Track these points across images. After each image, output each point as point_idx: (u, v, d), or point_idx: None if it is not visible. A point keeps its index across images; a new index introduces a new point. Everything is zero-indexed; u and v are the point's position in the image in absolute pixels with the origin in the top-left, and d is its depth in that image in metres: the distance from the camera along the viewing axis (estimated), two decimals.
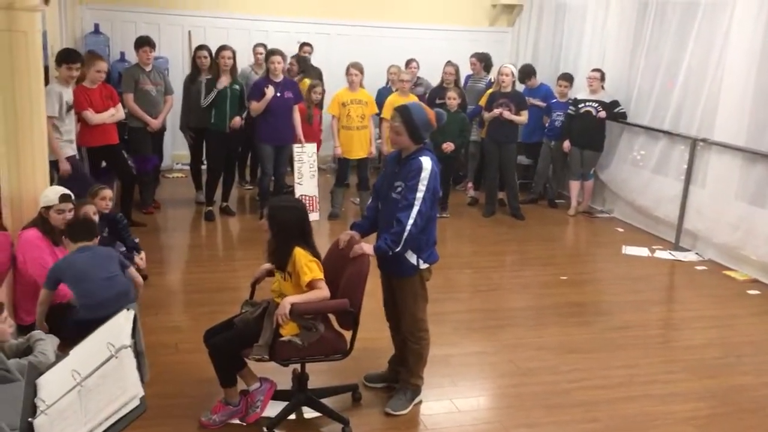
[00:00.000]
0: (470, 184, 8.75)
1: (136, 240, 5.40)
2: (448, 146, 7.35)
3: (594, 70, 7.92)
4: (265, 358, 3.39)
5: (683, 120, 7.16)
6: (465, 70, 8.64)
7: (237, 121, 7.08)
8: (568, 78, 8.27)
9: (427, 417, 3.77)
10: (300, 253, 3.41)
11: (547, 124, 8.41)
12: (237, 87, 7.15)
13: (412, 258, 3.61)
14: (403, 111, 3.55)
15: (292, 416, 3.67)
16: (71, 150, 5.89)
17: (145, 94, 7.04)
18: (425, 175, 3.48)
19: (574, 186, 8.21)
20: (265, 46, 8.16)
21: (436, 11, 10.20)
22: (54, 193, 4.19)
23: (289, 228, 3.45)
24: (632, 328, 5.06)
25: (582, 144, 7.99)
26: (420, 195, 3.47)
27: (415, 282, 3.70)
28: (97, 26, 8.59)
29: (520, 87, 8.32)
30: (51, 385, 2.49)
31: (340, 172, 7.56)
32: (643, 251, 6.92)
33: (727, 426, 3.81)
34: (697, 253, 6.84)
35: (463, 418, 3.80)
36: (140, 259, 5.37)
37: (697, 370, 4.44)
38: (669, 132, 7.30)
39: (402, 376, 3.87)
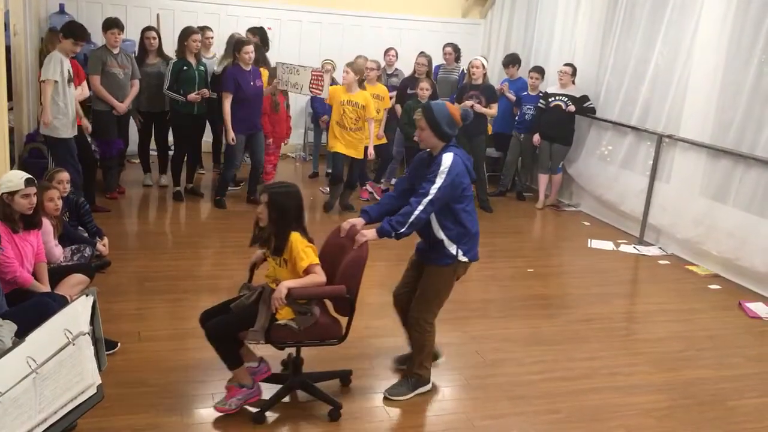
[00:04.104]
0: None
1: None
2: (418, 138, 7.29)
3: (566, 64, 7.96)
4: (261, 341, 3.40)
5: (650, 116, 7.24)
6: (437, 61, 8.62)
7: (205, 92, 7.04)
8: (539, 71, 8.29)
9: (391, 407, 3.76)
10: (297, 239, 3.41)
11: (517, 117, 8.44)
12: (202, 68, 7.12)
13: (452, 248, 3.68)
14: (425, 108, 3.71)
15: (285, 399, 3.67)
16: (71, 130, 5.94)
17: (113, 77, 6.88)
18: (443, 168, 3.59)
19: (543, 179, 8.27)
20: (211, 29, 8.00)
21: (409, 2, 10.16)
22: (18, 177, 4.06)
23: (288, 213, 3.46)
24: (596, 321, 5.11)
25: (551, 138, 8.04)
26: (436, 186, 3.56)
27: (447, 272, 3.75)
28: (62, 6, 8.37)
29: (501, 75, 8.30)
30: (5, 371, 2.41)
31: (335, 169, 7.29)
32: (608, 245, 7.00)
33: (687, 418, 3.87)
34: (660, 248, 6.94)
35: (429, 408, 3.80)
36: (103, 245, 5.31)
37: (658, 363, 4.50)
38: (636, 128, 7.38)
39: (407, 364, 3.94)
